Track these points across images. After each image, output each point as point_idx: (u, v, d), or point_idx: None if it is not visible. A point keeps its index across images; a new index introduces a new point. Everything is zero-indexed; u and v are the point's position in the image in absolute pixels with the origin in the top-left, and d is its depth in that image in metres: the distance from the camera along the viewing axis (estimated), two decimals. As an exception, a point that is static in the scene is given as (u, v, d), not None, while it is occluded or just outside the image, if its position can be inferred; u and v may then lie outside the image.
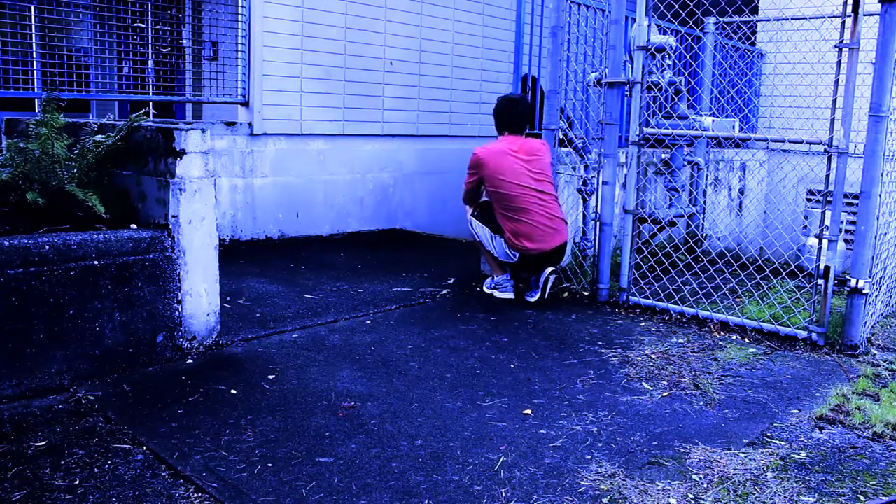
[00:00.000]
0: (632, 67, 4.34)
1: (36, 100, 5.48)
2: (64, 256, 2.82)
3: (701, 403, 2.95)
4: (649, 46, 4.25)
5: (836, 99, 3.62)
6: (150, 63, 6.00)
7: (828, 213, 3.67)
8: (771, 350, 3.67)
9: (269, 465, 2.32)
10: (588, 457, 2.45)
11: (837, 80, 3.65)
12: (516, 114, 4.39)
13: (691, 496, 2.22)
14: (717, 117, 5.91)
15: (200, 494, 2.14)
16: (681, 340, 3.77)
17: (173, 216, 3.17)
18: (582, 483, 2.28)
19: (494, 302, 4.38)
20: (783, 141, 3.95)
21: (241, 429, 2.56)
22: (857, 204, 3.64)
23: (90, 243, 2.91)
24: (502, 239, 4.34)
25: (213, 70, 6.25)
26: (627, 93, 4.38)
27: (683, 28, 5.83)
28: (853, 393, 3.08)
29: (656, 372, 3.28)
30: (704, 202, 6.53)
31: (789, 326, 3.85)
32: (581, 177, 4.84)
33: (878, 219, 3.67)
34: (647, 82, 4.36)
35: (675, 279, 4.80)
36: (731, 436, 2.66)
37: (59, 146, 3.23)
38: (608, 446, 2.54)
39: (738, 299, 4.58)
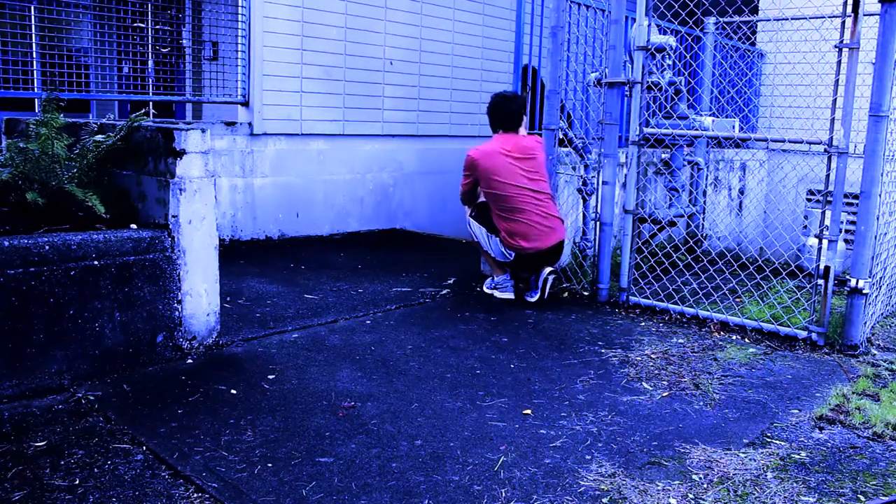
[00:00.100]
0: (632, 67, 4.34)
1: (36, 100, 5.49)
2: (64, 256, 2.82)
3: (701, 403, 2.95)
4: (649, 46, 4.25)
5: (836, 99, 3.62)
6: (150, 63, 6.00)
7: (828, 213, 3.67)
8: (771, 350, 3.67)
9: (269, 465, 2.32)
10: (588, 457, 2.45)
11: (837, 80, 3.65)
12: (510, 112, 4.36)
13: (691, 496, 2.22)
14: (717, 117, 5.91)
15: (200, 494, 2.14)
16: (681, 340, 3.77)
17: (173, 216, 3.17)
18: (582, 483, 2.28)
19: (494, 302, 4.38)
20: (783, 141, 3.95)
21: (241, 429, 2.56)
22: (857, 204, 3.64)
23: (90, 243, 2.91)
24: (498, 238, 4.34)
25: (213, 70, 6.25)
26: (627, 93, 4.38)
27: (683, 28, 5.83)
28: (853, 393, 3.08)
29: (656, 372, 3.28)
30: (704, 202, 6.53)
31: (789, 326, 3.85)
32: (581, 177, 4.84)
33: (878, 219, 3.67)
34: (647, 82, 4.36)
35: (675, 279, 4.80)
36: (731, 436, 2.66)
37: (59, 146, 3.23)
38: (608, 446, 2.54)
39: (738, 299, 4.58)
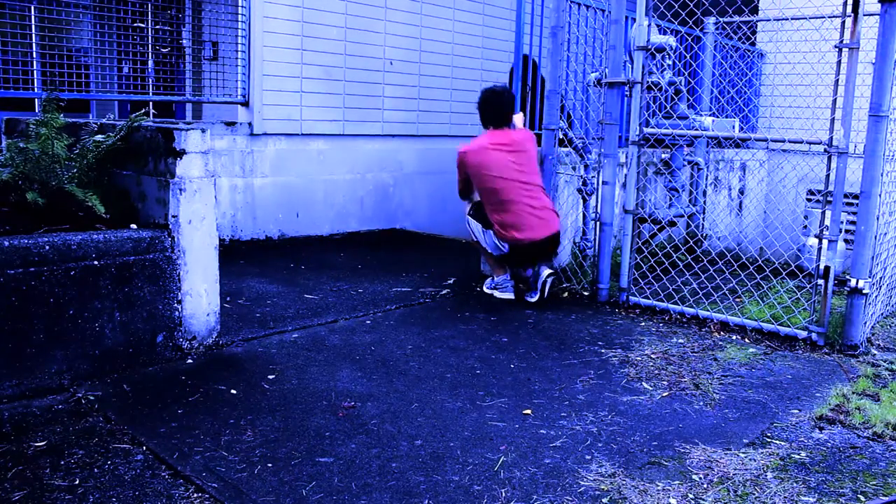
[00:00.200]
0: (632, 67, 4.34)
1: (36, 100, 5.48)
2: (64, 256, 2.82)
3: (701, 403, 2.95)
4: (649, 46, 4.25)
5: (836, 99, 3.62)
6: (150, 63, 6.00)
7: (828, 213, 3.67)
8: (771, 350, 3.67)
9: (269, 465, 2.32)
10: (588, 457, 2.45)
11: (837, 80, 3.66)
12: (500, 106, 4.35)
13: (691, 496, 2.22)
14: (717, 117, 5.91)
15: (200, 494, 2.14)
16: (681, 340, 3.77)
17: (173, 216, 3.17)
18: (582, 483, 2.28)
19: (494, 302, 4.38)
20: (783, 141, 3.95)
21: (241, 429, 2.56)
22: (857, 204, 3.64)
23: (90, 243, 2.91)
24: (492, 231, 4.33)
25: (213, 70, 6.25)
26: (627, 93, 4.38)
27: (683, 28, 5.83)
28: (853, 393, 3.08)
29: (656, 372, 3.28)
30: (704, 202, 6.53)
31: (789, 326, 3.85)
32: (581, 177, 4.84)
33: (878, 219, 3.67)
34: (647, 82, 4.36)
35: (675, 279, 4.80)
36: (731, 436, 2.66)
37: (59, 146, 3.23)
38: (608, 446, 2.54)
39: (738, 299, 4.58)
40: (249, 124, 5.81)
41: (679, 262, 4.69)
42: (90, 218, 3.17)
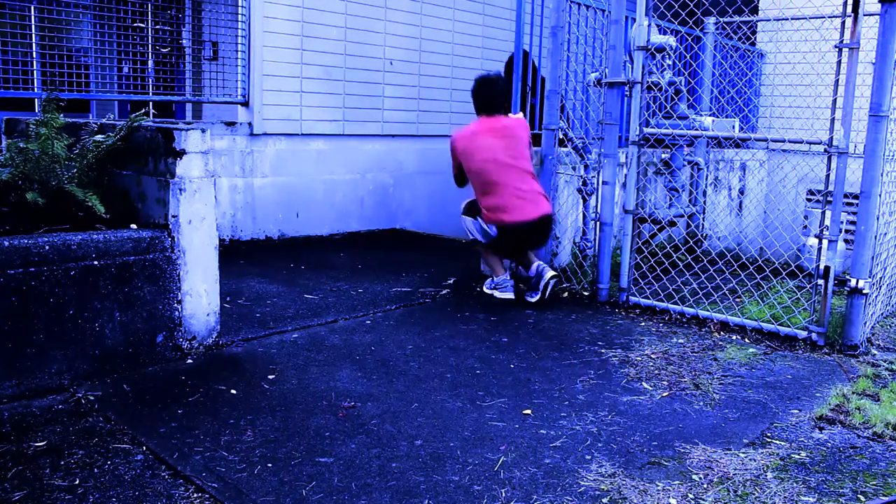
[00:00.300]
0: (632, 67, 4.34)
1: (36, 100, 5.48)
2: (64, 256, 2.82)
3: (701, 403, 2.95)
4: (649, 46, 4.25)
5: (836, 99, 3.62)
6: (150, 63, 6.00)
7: (828, 213, 3.67)
8: (771, 350, 3.67)
9: (269, 465, 2.32)
10: (588, 457, 2.45)
11: (837, 80, 3.66)
12: (493, 94, 4.37)
13: (691, 496, 2.22)
14: (717, 117, 5.91)
15: (200, 494, 2.14)
16: (681, 340, 3.77)
17: (173, 216, 3.17)
18: (582, 483, 2.28)
19: (494, 302, 4.38)
20: (783, 141, 3.95)
21: (241, 429, 2.56)
22: (857, 204, 3.64)
23: (90, 243, 2.91)
24: (480, 217, 4.34)
25: (213, 70, 6.25)
26: (627, 93, 4.38)
27: (683, 28, 5.83)
28: (853, 393, 3.08)
29: (656, 372, 3.28)
30: (704, 202, 6.53)
31: (789, 326, 3.85)
32: (581, 177, 4.84)
33: (878, 219, 3.67)
34: (647, 82, 4.36)
35: (675, 279, 4.80)
36: (731, 436, 2.66)
37: (59, 146, 3.23)
38: (608, 446, 2.54)
39: (738, 299, 4.58)
40: (249, 124, 5.81)
41: (679, 262, 4.69)
42: (90, 218, 3.17)
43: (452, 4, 7.17)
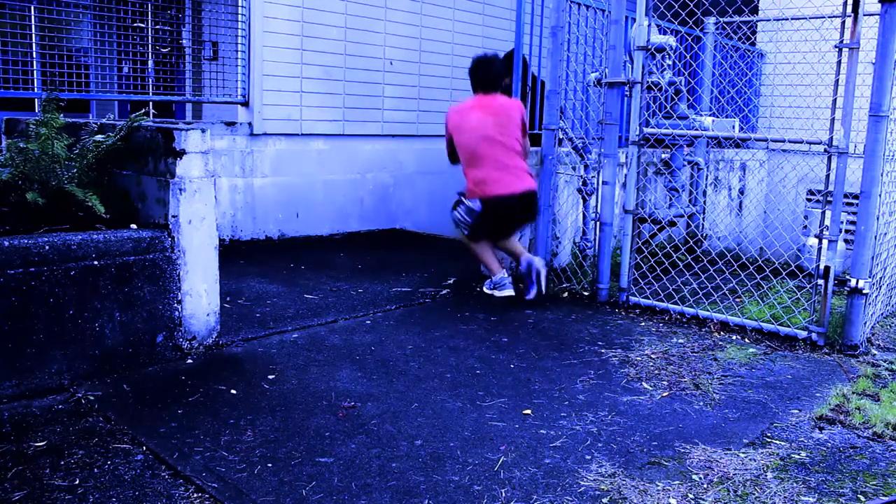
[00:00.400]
0: (632, 67, 4.34)
1: (36, 100, 5.48)
2: (64, 256, 2.82)
3: (701, 403, 2.95)
4: (649, 46, 4.25)
5: (836, 99, 3.63)
6: (150, 63, 6.00)
7: (828, 213, 3.67)
8: (771, 350, 3.67)
9: (269, 465, 2.32)
10: (588, 457, 2.45)
11: (837, 80, 3.66)
12: (489, 73, 4.41)
13: (691, 496, 2.22)
14: (717, 117, 5.91)
15: (200, 494, 2.14)
16: (681, 340, 3.77)
17: (173, 216, 3.17)
18: (582, 483, 2.28)
19: (494, 302, 4.38)
20: (783, 141, 3.95)
21: (241, 429, 2.56)
22: (857, 204, 3.64)
23: (90, 243, 2.91)
24: (465, 198, 4.35)
25: (213, 70, 6.25)
26: (627, 93, 4.38)
27: (683, 28, 5.83)
28: (853, 393, 3.08)
29: (656, 372, 3.28)
30: (704, 202, 6.53)
31: (789, 326, 3.85)
32: (581, 177, 4.84)
33: (878, 219, 3.67)
34: (647, 82, 4.36)
35: (675, 279, 4.80)
36: (731, 436, 2.66)
37: (59, 146, 3.23)
38: (608, 446, 2.54)
39: (738, 299, 4.58)
40: (249, 124, 5.81)
41: (679, 262, 4.69)
42: (90, 218, 3.17)
43: (452, 4, 7.17)
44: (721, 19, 6.36)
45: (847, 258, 4.23)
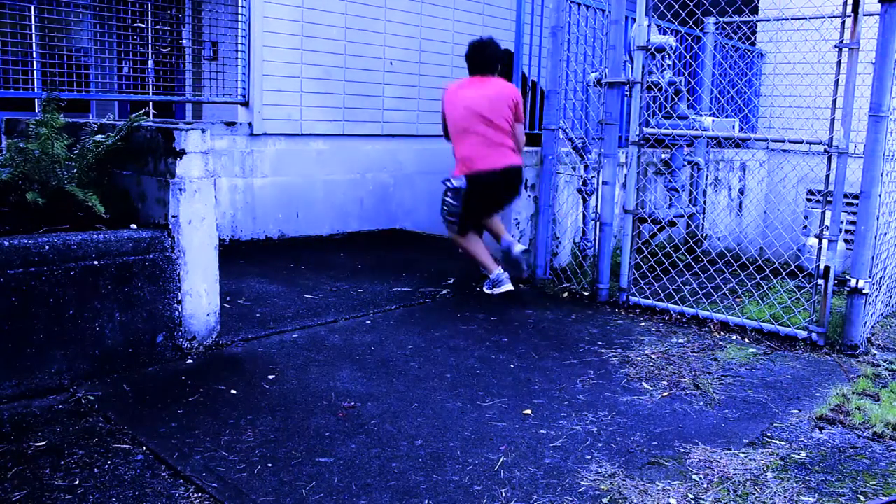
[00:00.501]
0: (632, 67, 4.34)
1: (36, 100, 5.48)
2: (64, 256, 2.82)
3: (701, 403, 2.95)
4: (649, 46, 4.25)
5: (836, 99, 3.63)
6: (150, 63, 6.00)
7: (828, 213, 3.67)
8: (771, 350, 3.67)
9: (269, 465, 2.32)
10: (588, 457, 2.45)
11: (837, 80, 3.66)
12: (484, 56, 4.46)
13: (691, 496, 2.22)
14: (717, 117, 5.91)
15: (200, 494, 2.14)
16: (681, 340, 3.77)
17: (173, 216, 3.17)
18: (582, 483, 2.28)
19: (494, 302, 4.38)
20: (783, 141, 3.95)
21: (241, 429, 2.56)
22: (857, 204, 3.64)
23: (90, 243, 2.91)
24: (451, 180, 4.38)
25: (213, 70, 6.25)
26: (627, 93, 4.38)
27: (683, 28, 5.83)
28: (853, 393, 3.08)
29: (656, 372, 3.28)
30: (704, 202, 6.53)
31: (789, 326, 3.85)
32: (581, 177, 4.84)
33: (878, 219, 3.67)
34: (647, 82, 4.36)
35: (675, 279, 4.80)
36: (731, 436, 2.66)
37: (59, 146, 3.23)
38: (608, 446, 2.54)
39: (738, 299, 4.58)
40: (249, 124, 5.81)
41: (679, 262, 4.69)
42: (90, 218, 3.17)
43: (452, 4, 7.17)
44: (721, 19, 6.37)
45: (847, 258, 4.23)
